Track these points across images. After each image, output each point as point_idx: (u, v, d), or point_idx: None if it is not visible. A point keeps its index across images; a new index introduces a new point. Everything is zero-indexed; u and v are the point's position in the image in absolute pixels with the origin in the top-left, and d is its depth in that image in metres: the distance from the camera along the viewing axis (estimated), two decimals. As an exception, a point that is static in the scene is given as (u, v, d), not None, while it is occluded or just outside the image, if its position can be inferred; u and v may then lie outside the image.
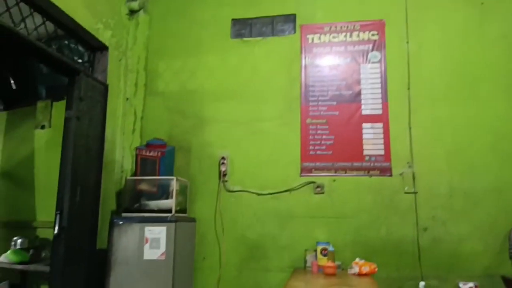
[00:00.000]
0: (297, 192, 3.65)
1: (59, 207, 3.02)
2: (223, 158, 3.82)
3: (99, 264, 3.26)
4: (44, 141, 4.16)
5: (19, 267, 3.56)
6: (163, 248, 3.13)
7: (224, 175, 3.80)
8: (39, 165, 4.12)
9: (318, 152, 3.71)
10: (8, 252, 3.62)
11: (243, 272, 3.58)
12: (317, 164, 3.68)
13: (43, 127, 4.17)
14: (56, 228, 2.98)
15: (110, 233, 3.24)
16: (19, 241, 3.72)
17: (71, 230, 3.05)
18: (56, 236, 2.99)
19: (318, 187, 3.63)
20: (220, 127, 3.89)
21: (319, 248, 3.29)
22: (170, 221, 3.19)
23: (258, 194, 3.71)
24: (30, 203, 4.06)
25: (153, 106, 4.05)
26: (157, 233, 3.18)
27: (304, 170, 3.69)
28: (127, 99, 3.92)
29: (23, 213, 4.05)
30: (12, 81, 4.30)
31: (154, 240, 3.17)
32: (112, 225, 3.25)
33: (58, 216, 3.00)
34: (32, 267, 3.54)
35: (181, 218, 3.36)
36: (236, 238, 3.66)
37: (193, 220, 3.66)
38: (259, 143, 3.80)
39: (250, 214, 3.69)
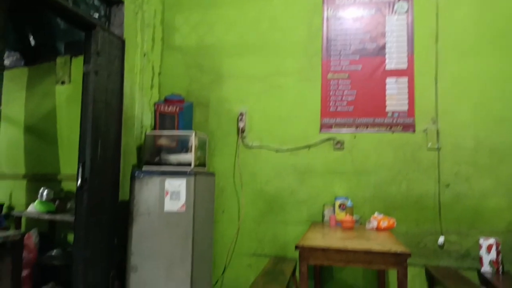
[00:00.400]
0: (316, 148, 3.62)
1: (81, 159, 3.09)
2: (241, 114, 3.79)
3: (122, 215, 3.36)
4: (65, 96, 4.21)
5: (46, 217, 3.72)
6: (183, 200, 3.19)
7: (243, 131, 3.78)
8: (61, 120, 4.20)
9: (339, 108, 3.63)
10: (36, 202, 3.78)
11: (261, 225, 3.65)
12: (338, 120, 3.61)
13: (63, 82, 4.20)
14: (79, 180, 3.06)
15: (132, 186, 3.31)
16: (45, 192, 3.87)
17: (93, 182, 3.13)
18: (79, 188, 3.08)
19: (338, 143, 3.57)
20: (239, 82, 3.84)
21: (337, 202, 3.29)
22: (190, 175, 3.23)
23: (277, 151, 3.69)
24: (54, 156, 4.18)
25: (171, 61, 4.01)
26: (177, 186, 3.23)
27: (324, 126, 3.63)
28: (145, 54, 3.88)
29: (48, 166, 4.18)
30: (31, 37, 4.30)
31: (174, 193, 3.22)
32: (133, 178, 3.32)
33: (80, 168, 3.07)
34: (58, 217, 3.70)
35: (200, 172, 3.39)
36: (255, 192, 3.70)
37: (212, 174, 3.70)
38: (278, 99, 3.74)
39: (269, 169, 3.69)
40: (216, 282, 3.68)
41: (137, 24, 3.77)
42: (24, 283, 3.42)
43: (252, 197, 3.70)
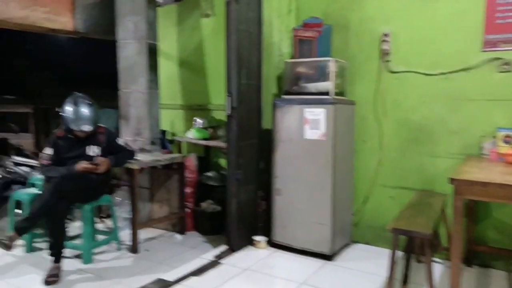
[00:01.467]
0: (476, 71, 3.12)
1: (229, 90, 3.30)
2: (385, 35, 3.46)
3: (266, 141, 3.57)
4: (210, 28, 4.45)
5: (202, 142, 4.20)
6: (322, 129, 3.20)
7: (386, 54, 3.48)
8: (209, 52, 4.50)
9: (509, 19, 3.00)
10: (193, 129, 4.27)
11: (405, 156, 3.45)
12: (507, 35, 3.01)
13: (207, 15, 4.42)
14: (228, 108, 3.31)
15: (273, 114, 3.44)
16: (200, 121, 4.32)
17: (240, 110, 3.35)
18: (229, 116, 3.34)
19: (506, 64, 3.01)
20: (382, -1, 3.46)
21: (500, 134, 2.86)
22: (329, 103, 3.17)
23: (426, 75, 3.32)
24: (204, 87, 4.57)
25: (308, -18, 3.80)
26: (317, 114, 3.22)
27: (487, 44, 3.08)
28: (282, -23, 3.76)
29: (200, 97, 4.62)
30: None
31: (313, 121, 3.24)
32: (274, 107, 3.43)
33: (229, 98, 3.30)
34: (212, 142, 4.13)
35: (340, 100, 3.31)
36: (398, 121, 3.47)
37: (352, 102, 3.57)
38: (429, 14, 3.27)
39: (416, 96, 3.38)
40: (356, 211, 3.71)
41: None
42: (188, 198, 4.02)
43: (395, 127, 3.49)
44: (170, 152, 4.35)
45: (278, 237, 3.52)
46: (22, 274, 3.04)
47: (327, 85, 3.29)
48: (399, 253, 2.85)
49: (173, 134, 4.82)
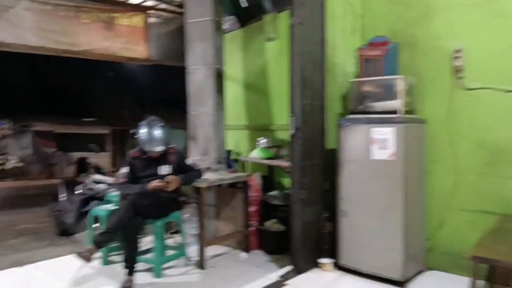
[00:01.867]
0: None
1: (293, 110, 3.34)
2: (457, 51, 3.29)
3: (330, 161, 3.53)
4: (274, 51, 4.56)
5: (266, 162, 4.26)
6: (391, 149, 3.09)
7: (459, 70, 3.30)
8: (272, 74, 4.60)
9: None
10: (257, 149, 4.35)
11: (484, 178, 3.20)
12: None
13: (271, 39, 4.54)
14: (292, 128, 3.34)
15: (338, 134, 3.40)
16: (263, 141, 4.40)
17: (304, 130, 3.36)
18: (292, 136, 3.36)
19: None
20: (452, 14, 3.31)
21: None
22: (398, 122, 3.07)
23: (507, 91, 3.10)
24: (268, 109, 4.66)
25: (373, 0, 3.76)
26: (384, 134, 3.13)
27: None
28: (346, -3, 3.77)
29: (263, 118, 4.71)
30: (242, 0, 4.74)
31: (381, 141, 3.15)
32: (339, 126, 3.39)
33: (293, 118, 3.33)
34: (275, 162, 4.18)
35: (409, 119, 3.19)
36: (474, 141, 3.25)
37: (422, 121, 3.42)
38: (505, 27, 3.07)
39: (493, 114, 3.14)
40: (430, 236, 3.48)
41: (337, -33, 3.66)
42: (252, 216, 4.06)
43: (470, 147, 3.26)
44: (235, 171, 4.46)
45: (344, 260, 3.42)
46: (99, 285, 3.25)
47: (395, 103, 3.20)
48: (480, 283, 2.63)
49: (238, 154, 4.94)
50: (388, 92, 3.30)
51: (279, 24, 4.48)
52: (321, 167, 3.57)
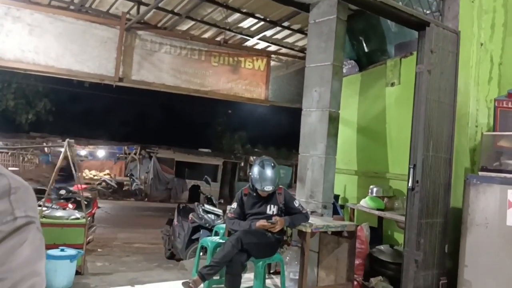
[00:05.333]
0: None
1: (412, 161, 3.09)
2: None
3: (453, 221, 3.14)
4: (394, 97, 4.36)
5: (376, 212, 3.98)
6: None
7: None
8: (390, 120, 4.38)
9: None
10: (367, 198, 4.11)
11: None
12: None
13: (393, 84, 4.36)
14: (410, 181, 3.08)
15: (465, 192, 3.02)
16: (375, 189, 4.14)
17: (424, 184, 3.07)
18: (410, 189, 3.10)
19: None
20: None
21: None
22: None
23: None
24: (383, 155, 4.42)
25: (515, 48, 3.38)
26: (526, 198, 2.69)
27: None
28: (482, 44, 3.45)
29: (377, 165, 4.47)
30: (364, 44, 4.70)
31: (520, 206, 2.70)
32: (467, 184, 3.02)
33: (412, 170, 3.08)
34: (387, 214, 3.88)
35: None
36: None
37: None
38: None
39: None
40: None
41: (474, 12, 3.40)
42: (356, 270, 3.79)
43: None
44: (342, 219, 4.25)
45: None
46: (199, 316, 3.31)
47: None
48: None
49: (345, 200, 4.73)
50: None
51: (403, 68, 4.29)
52: (442, 227, 3.20)
